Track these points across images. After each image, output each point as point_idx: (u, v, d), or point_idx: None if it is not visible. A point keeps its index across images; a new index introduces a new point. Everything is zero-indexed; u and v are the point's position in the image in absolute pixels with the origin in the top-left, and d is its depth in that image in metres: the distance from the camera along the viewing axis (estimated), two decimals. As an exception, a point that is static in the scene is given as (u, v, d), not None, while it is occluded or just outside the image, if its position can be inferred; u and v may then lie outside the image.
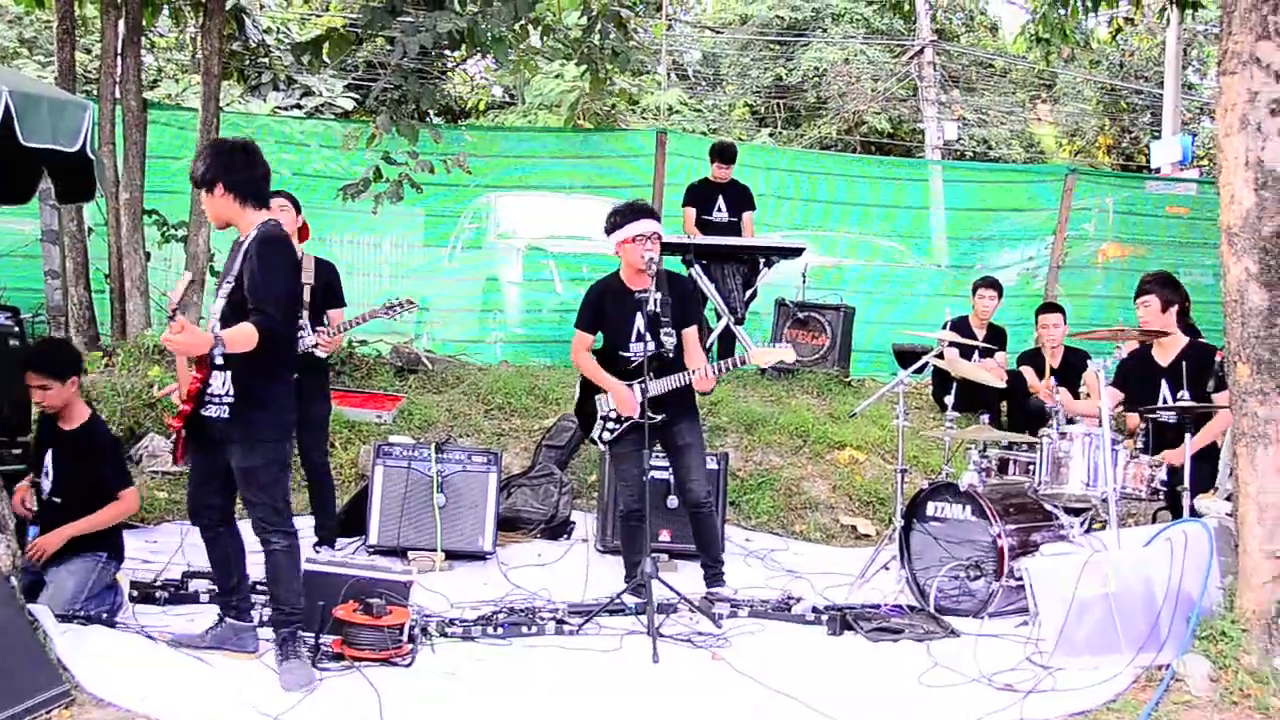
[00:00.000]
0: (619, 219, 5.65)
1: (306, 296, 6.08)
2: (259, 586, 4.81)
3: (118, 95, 8.88)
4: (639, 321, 5.63)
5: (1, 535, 4.17)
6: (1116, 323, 5.75)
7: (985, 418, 6.29)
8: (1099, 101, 27.05)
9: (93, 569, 4.97)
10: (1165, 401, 6.06)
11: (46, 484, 5.07)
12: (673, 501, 6.50)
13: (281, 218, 5.92)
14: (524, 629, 5.08)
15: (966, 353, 7.74)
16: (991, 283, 8.80)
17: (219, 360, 4.36)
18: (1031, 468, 5.89)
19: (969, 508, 5.69)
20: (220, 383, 4.37)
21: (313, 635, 4.58)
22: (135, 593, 5.21)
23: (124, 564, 5.24)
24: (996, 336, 8.73)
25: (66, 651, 4.12)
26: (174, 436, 4.59)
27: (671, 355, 5.53)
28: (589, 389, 5.88)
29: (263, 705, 3.93)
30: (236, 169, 4.42)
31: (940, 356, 6.62)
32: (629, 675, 4.56)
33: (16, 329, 5.57)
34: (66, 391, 5.05)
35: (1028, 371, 8.12)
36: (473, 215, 11.22)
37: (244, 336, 4.21)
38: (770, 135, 25.18)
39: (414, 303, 6.30)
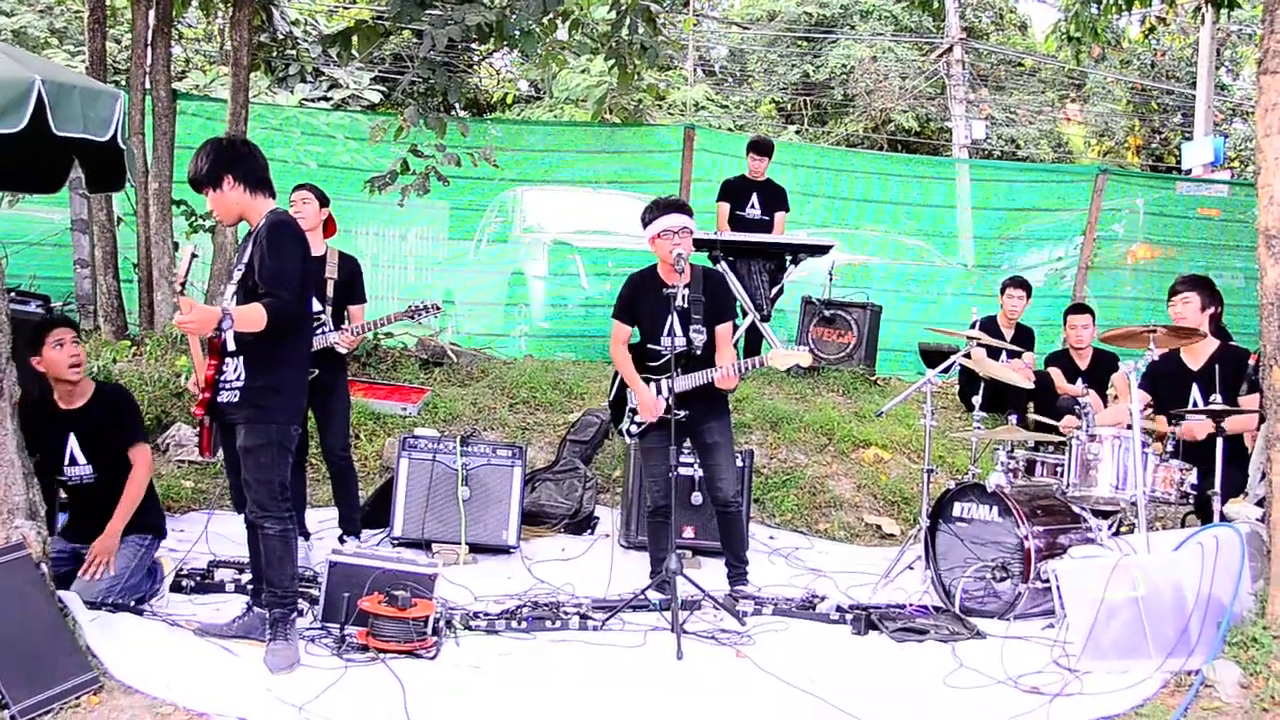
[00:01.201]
0: (651, 214, 5.67)
1: (329, 291, 6.11)
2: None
3: (147, 85, 8.91)
4: (671, 316, 5.62)
5: (31, 522, 4.19)
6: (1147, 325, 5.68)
7: (1013, 418, 6.24)
8: (1129, 101, 26.86)
9: (133, 555, 5.03)
10: (1196, 406, 6.00)
11: (79, 470, 5.09)
12: (698, 498, 6.49)
13: (304, 210, 5.98)
14: (548, 623, 5.07)
15: (994, 353, 7.69)
16: (1020, 282, 8.74)
17: (231, 346, 4.43)
18: (1059, 469, 5.85)
19: (996, 509, 5.65)
20: (232, 368, 4.45)
21: (338, 626, 4.61)
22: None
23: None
24: (1024, 337, 8.67)
25: (96, 639, 4.15)
26: (199, 427, 4.63)
27: (700, 352, 5.53)
28: (623, 382, 5.89)
29: (287, 695, 3.94)
30: (241, 160, 4.51)
31: (968, 356, 6.58)
32: (653, 671, 4.55)
33: (49, 317, 5.59)
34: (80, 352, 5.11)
35: (1055, 373, 8.06)
36: (499, 209, 11.23)
37: (254, 315, 4.27)
38: (797, 132, 25.12)
39: (438, 306, 6.30)
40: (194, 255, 4.36)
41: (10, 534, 4.08)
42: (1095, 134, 27.92)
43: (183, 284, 4.66)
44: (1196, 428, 5.79)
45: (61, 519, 5.46)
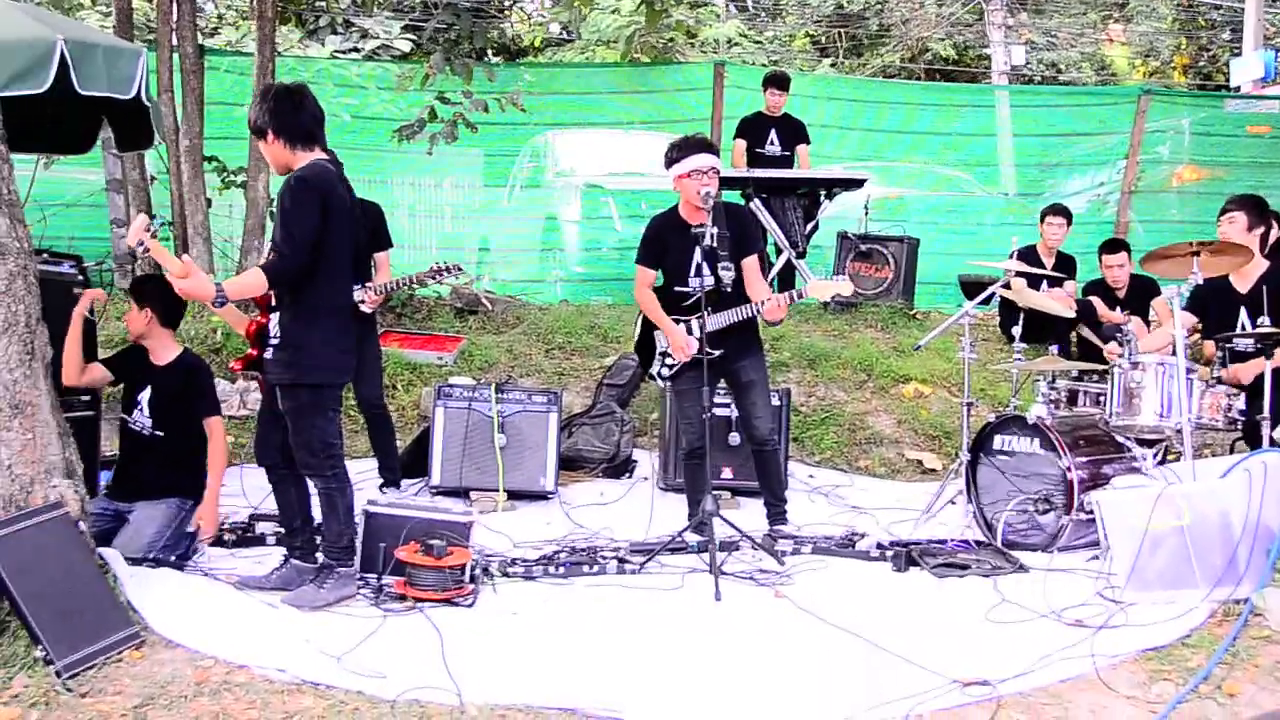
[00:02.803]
0: (676, 153, 5.58)
1: None
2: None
3: (174, 42, 8.89)
4: (697, 256, 5.55)
5: (69, 481, 4.22)
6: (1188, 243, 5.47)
7: (1054, 348, 6.13)
8: (1175, 19, 26.13)
9: (175, 516, 5.10)
10: (1244, 329, 5.85)
11: (143, 419, 5.22)
12: (734, 439, 6.46)
13: None
14: (586, 568, 5.07)
15: (1034, 282, 7.55)
16: (1060, 210, 8.57)
17: (273, 302, 4.49)
18: (1102, 399, 5.74)
19: (1037, 440, 5.56)
20: (273, 325, 4.48)
21: (375, 576, 4.64)
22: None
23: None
24: (1065, 265, 8.50)
25: (136, 594, 4.18)
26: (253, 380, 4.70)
27: (730, 289, 5.45)
28: (649, 324, 5.83)
29: (326, 646, 3.96)
30: (283, 113, 4.45)
31: (1007, 286, 6.46)
32: (691, 613, 4.53)
33: (80, 277, 5.62)
34: (140, 319, 5.21)
35: (1097, 301, 7.90)
36: (531, 154, 11.17)
37: (251, 281, 4.39)
38: (832, 65, 24.69)
39: (460, 268, 6.25)
40: (148, 227, 4.31)
41: (49, 493, 4.12)
42: (1139, 54, 27.21)
43: (133, 246, 4.54)
44: (1242, 371, 5.63)
45: (104, 478, 5.55)
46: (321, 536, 4.65)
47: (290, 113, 4.46)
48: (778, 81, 9.55)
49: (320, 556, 4.67)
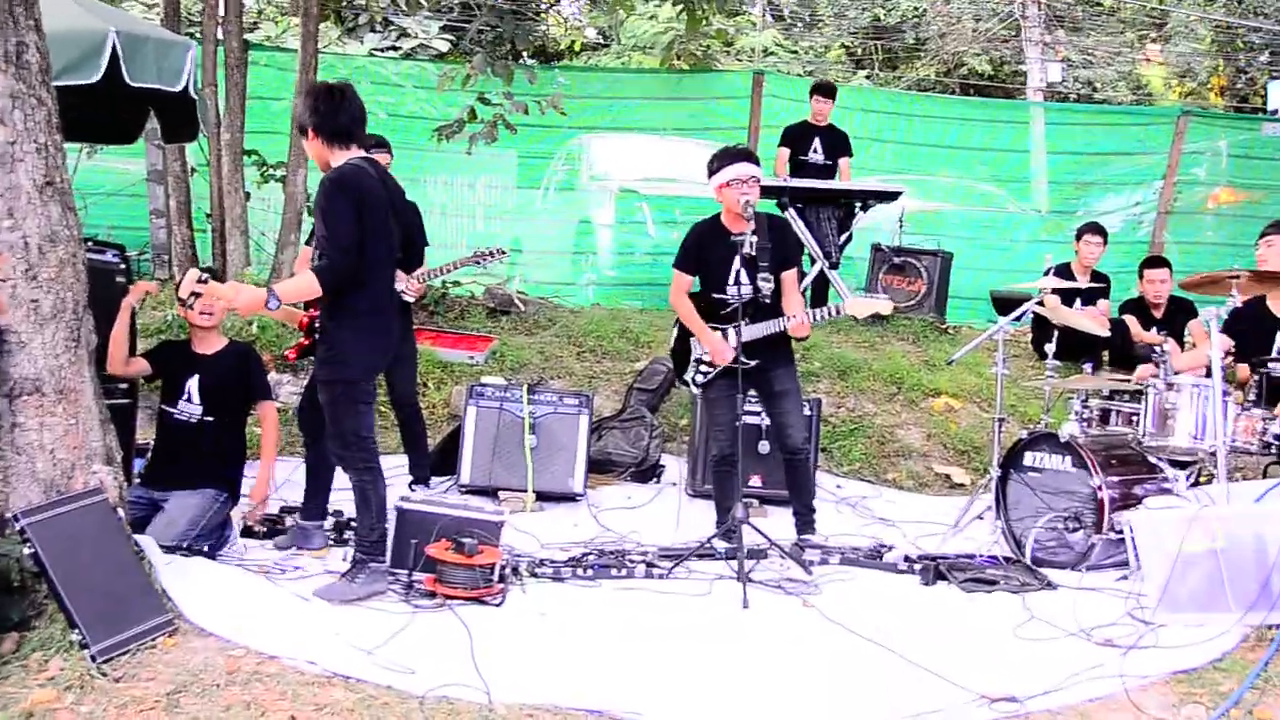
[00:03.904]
0: (718, 163, 5.60)
1: None
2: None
3: (220, 36, 8.97)
4: (737, 264, 5.57)
5: (108, 467, 4.27)
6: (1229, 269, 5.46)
7: (1087, 367, 6.11)
8: (1213, 40, 25.95)
9: (209, 507, 5.14)
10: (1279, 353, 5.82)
11: (191, 409, 5.31)
12: (764, 447, 6.47)
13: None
14: (613, 571, 5.10)
15: (1068, 299, 7.52)
16: (1097, 229, 8.52)
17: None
18: (1135, 419, 5.71)
19: (1069, 459, 5.55)
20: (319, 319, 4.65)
21: (406, 572, 4.67)
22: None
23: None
24: (1100, 285, 8.46)
25: (170, 582, 4.22)
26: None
27: (769, 300, 5.48)
28: (686, 330, 5.85)
29: (357, 639, 3.99)
30: (322, 112, 4.57)
31: (1041, 303, 6.44)
32: (718, 620, 4.54)
33: (123, 266, 5.68)
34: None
35: (1131, 320, 7.86)
36: (566, 157, 11.21)
37: (305, 285, 4.52)
38: (867, 77, 24.64)
39: (504, 251, 6.32)
40: (200, 280, 4.51)
41: (88, 479, 4.16)
42: (1176, 75, 27.02)
43: (184, 298, 4.92)
44: None
45: (137, 465, 5.60)
46: (355, 532, 4.73)
47: (329, 111, 4.57)
48: (824, 90, 9.56)
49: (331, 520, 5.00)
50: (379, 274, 4.63)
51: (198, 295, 4.68)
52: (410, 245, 6.05)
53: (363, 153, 4.66)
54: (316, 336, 4.67)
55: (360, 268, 4.46)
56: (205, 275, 4.51)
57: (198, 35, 9.56)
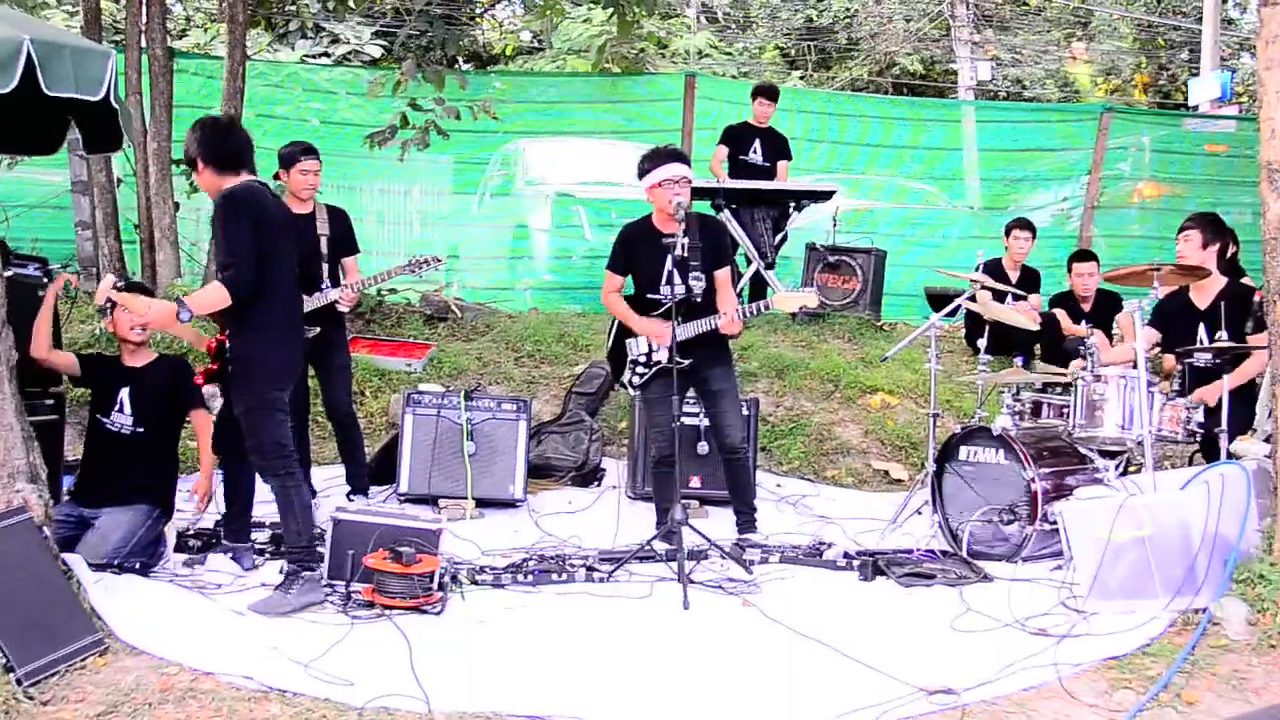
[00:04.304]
0: (649, 163, 5.62)
1: (324, 248, 6.10)
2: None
3: (144, 44, 8.83)
4: (669, 265, 5.58)
5: (33, 485, 4.19)
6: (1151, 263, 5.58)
7: (1019, 360, 6.20)
8: (1136, 39, 26.48)
9: (141, 523, 5.07)
10: (1202, 344, 5.93)
11: (123, 420, 5.25)
12: (703, 447, 6.48)
13: (316, 181, 6.13)
14: (554, 576, 5.09)
15: (1000, 295, 7.62)
16: (1025, 224, 8.67)
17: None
18: (1066, 411, 5.81)
19: (1002, 451, 5.63)
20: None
21: (344, 583, 4.63)
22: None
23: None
24: (1030, 279, 8.61)
25: (100, 600, 4.16)
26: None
27: (700, 299, 5.49)
28: (621, 333, 5.86)
29: (294, 653, 3.95)
30: (209, 142, 4.67)
31: (973, 299, 6.53)
32: (659, 622, 4.55)
33: (45, 280, 5.57)
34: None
35: (1061, 314, 7.99)
36: (501, 162, 11.17)
37: (214, 296, 4.52)
38: (801, 78, 24.82)
39: (440, 259, 6.28)
40: (115, 285, 4.66)
41: (12, 498, 4.08)
42: (1102, 72, 27.54)
43: (101, 308, 4.98)
44: (1208, 393, 5.69)
45: (66, 482, 5.49)
46: (284, 542, 4.72)
47: (219, 141, 4.68)
48: (767, 92, 9.60)
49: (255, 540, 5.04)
50: (283, 288, 4.71)
51: (114, 304, 4.72)
52: (304, 264, 6.02)
53: (254, 177, 4.72)
54: (226, 357, 4.68)
55: (265, 279, 4.53)
56: (120, 282, 4.49)
57: (121, 44, 9.40)
